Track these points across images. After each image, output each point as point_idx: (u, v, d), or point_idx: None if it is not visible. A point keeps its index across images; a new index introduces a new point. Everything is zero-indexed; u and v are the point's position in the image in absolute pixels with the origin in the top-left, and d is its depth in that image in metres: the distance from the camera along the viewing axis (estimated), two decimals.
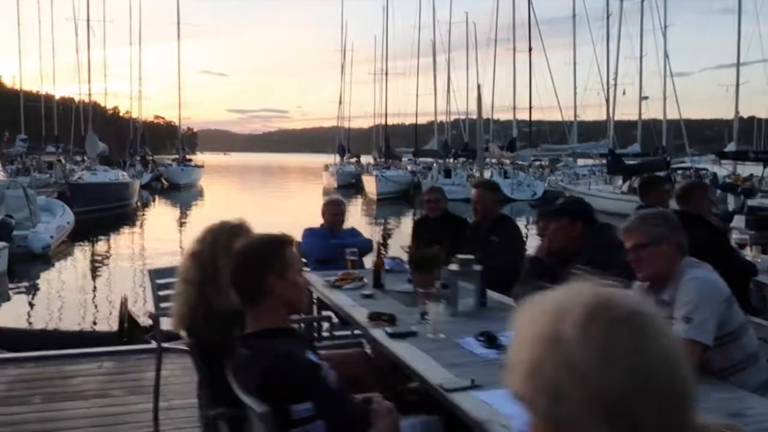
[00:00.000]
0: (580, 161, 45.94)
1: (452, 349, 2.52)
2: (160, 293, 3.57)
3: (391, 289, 3.51)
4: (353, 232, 4.75)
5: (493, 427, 1.71)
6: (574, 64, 46.56)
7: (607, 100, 35.43)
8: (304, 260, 4.78)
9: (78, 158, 44.36)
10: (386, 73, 46.86)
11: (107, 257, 16.72)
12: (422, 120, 51.93)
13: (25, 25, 45.90)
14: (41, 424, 3.46)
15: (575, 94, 46.85)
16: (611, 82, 36.13)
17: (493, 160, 41.49)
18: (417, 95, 46.94)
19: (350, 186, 43.75)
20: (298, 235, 4.21)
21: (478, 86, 19.15)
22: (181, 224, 25.21)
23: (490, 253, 3.75)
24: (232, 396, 2.12)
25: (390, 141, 46.13)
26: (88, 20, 30.77)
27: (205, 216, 28.75)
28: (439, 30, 49.91)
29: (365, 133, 71.34)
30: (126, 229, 23.34)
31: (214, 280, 2.11)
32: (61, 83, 45.79)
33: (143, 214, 28.43)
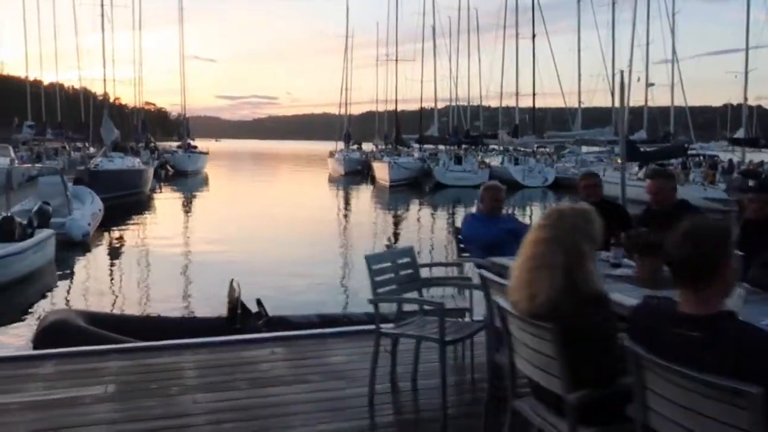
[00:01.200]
0: (584, 148, 46.14)
1: None
2: (377, 279, 3.60)
3: (608, 274, 3.50)
4: (511, 218, 4.78)
5: None
6: (579, 51, 46.57)
7: (621, 86, 35.15)
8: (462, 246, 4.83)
9: (79, 144, 44.06)
10: (396, 60, 46.57)
11: (146, 244, 16.64)
12: (416, 106, 51.56)
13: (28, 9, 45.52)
14: (271, 408, 3.49)
15: (579, 80, 46.87)
16: (625, 68, 35.98)
17: (500, 147, 41.65)
18: (422, 81, 46.78)
19: (356, 173, 43.72)
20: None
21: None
22: (207, 211, 25.06)
23: None
24: (597, 377, 2.17)
25: (400, 126, 45.93)
26: (102, 5, 30.15)
27: (225, 202, 28.78)
28: (439, 16, 49.73)
29: (361, 119, 70.78)
30: (151, 216, 23.24)
31: (580, 264, 2.14)
32: (60, 69, 45.04)
33: (160, 201, 28.28)
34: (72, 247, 14.32)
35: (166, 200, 29.27)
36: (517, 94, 49.24)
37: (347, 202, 30.28)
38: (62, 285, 11.52)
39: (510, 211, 26.01)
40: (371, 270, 3.57)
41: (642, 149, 28.69)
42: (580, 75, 46.67)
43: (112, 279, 12.39)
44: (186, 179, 39.29)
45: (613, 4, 44.10)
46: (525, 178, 34.62)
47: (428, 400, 3.58)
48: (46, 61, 45.09)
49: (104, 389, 3.67)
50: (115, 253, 15.23)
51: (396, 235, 18.51)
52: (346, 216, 24.86)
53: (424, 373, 3.82)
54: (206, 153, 45.96)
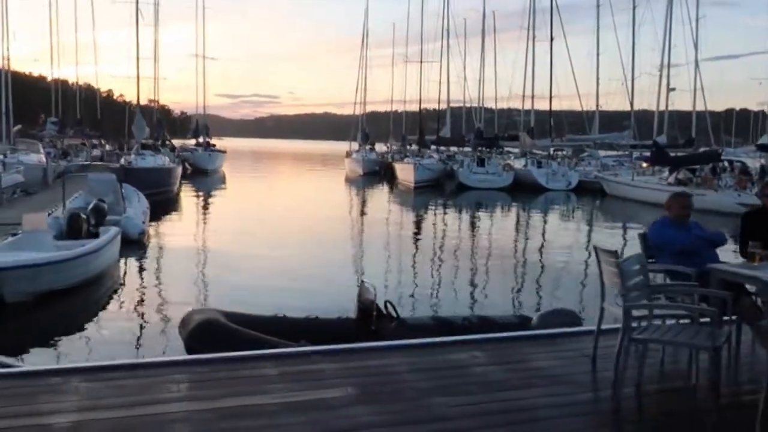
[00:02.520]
0: (601, 152, 46.19)
1: None
2: (628, 283, 3.62)
3: None
4: (698, 225, 4.81)
5: None
6: (597, 54, 46.61)
7: (659, 90, 35.36)
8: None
9: (95, 141, 43.99)
10: (421, 61, 46.46)
11: (197, 241, 16.67)
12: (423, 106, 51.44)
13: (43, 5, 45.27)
14: (519, 413, 3.52)
15: (598, 84, 46.92)
16: (663, 71, 36.09)
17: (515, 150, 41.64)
18: (440, 82, 46.74)
19: (374, 173, 43.70)
20: None
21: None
22: (243, 208, 25.08)
23: None
24: None
25: (423, 128, 45.85)
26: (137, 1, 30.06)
27: (257, 201, 28.84)
28: (454, 19, 49.76)
29: (368, 119, 69.81)
30: (187, 213, 23.33)
31: None
32: (70, 65, 44.77)
33: (190, 199, 28.30)
34: (129, 245, 14.30)
35: (195, 198, 29.28)
36: (533, 96, 49.16)
37: (410, 208, 29.00)
38: (135, 284, 11.50)
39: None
40: (624, 272, 3.59)
41: (672, 154, 28.78)
42: (598, 78, 46.79)
43: (179, 277, 12.35)
44: (206, 177, 39.29)
45: (634, 7, 44.26)
46: (548, 181, 34.69)
47: (679, 403, 3.61)
48: (62, 57, 45.06)
49: (345, 391, 3.70)
50: (173, 250, 15.23)
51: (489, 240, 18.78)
52: (420, 220, 24.60)
53: (667, 376, 3.85)
54: (224, 152, 45.93)
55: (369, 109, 59.16)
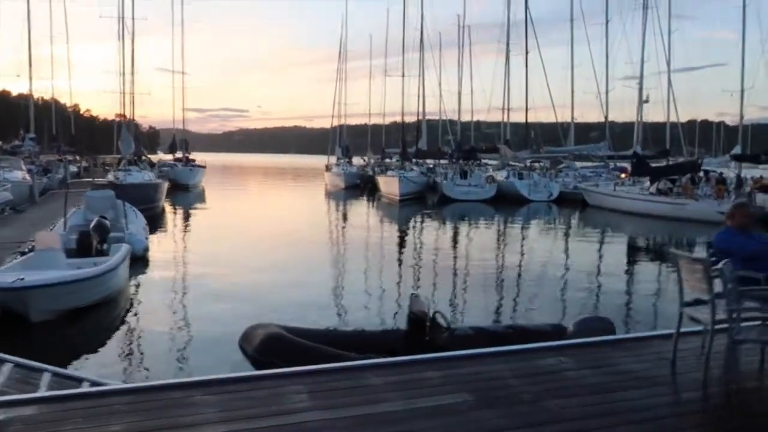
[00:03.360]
0: (578, 163, 47.12)
1: None
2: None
3: None
4: (759, 233, 5.09)
5: None
6: (572, 68, 47.69)
7: (639, 102, 36.32)
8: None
9: (69, 157, 43.31)
10: (403, 75, 46.72)
11: (195, 257, 16.56)
12: (396, 119, 51.85)
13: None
14: (639, 413, 3.70)
15: (573, 96, 47.98)
16: (638, 85, 37.09)
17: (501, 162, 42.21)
18: (418, 96, 47.16)
19: (355, 187, 43.89)
20: None
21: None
22: (233, 224, 24.92)
23: None
24: None
25: (406, 143, 46.05)
26: (121, 18, 29.83)
27: (241, 213, 28.79)
28: (428, 32, 50.36)
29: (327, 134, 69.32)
30: (178, 228, 23.18)
31: None
32: (41, 79, 44.11)
33: (176, 214, 28.05)
34: (134, 262, 14.20)
35: (180, 214, 29.04)
36: (508, 108, 49.99)
37: (399, 220, 28.56)
38: (155, 300, 11.44)
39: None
40: (723, 277, 3.82)
41: (652, 165, 29.55)
42: (573, 91, 47.83)
43: (198, 292, 12.31)
44: (187, 193, 38.98)
45: (606, 22, 45.51)
46: (531, 192, 35.26)
47: None
48: (37, 72, 44.31)
49: (462, 397, 3.84)
50: (178, 265, 15.18)
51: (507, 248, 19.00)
52: (408, 232, 24.96)
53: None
54: (204, 167, 45.64)
55: (343, 122, 59.19)
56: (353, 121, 65.43)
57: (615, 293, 12.39)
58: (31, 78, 39.42)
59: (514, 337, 6.50)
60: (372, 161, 53.90)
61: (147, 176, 27.83)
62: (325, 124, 66.54)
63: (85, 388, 4.47)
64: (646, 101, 41.21)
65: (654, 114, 46.53)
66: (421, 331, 6.68)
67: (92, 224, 13.78)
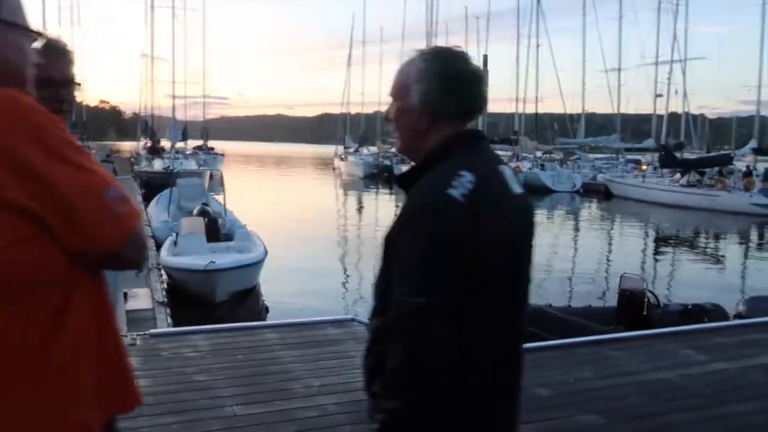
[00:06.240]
0: (590, 155, 48.11)
1: None
2: None
3: None
4: None
5: None
6: (584, 61, 48.74)
7: (655, 93, 37.42)
8: None
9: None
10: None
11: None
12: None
13: None
14: None
15: (584, 89, 48.96)
16: (664, 80, 38.23)
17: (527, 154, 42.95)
18: None
19: (373, 176, 44.18)
20: None
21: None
22: (282, 201, 25.40)
23: None
24: None
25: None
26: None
27: (276, 202, 29.12)
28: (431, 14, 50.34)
29: (317, 121, 69.39)
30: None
31: None
32: None
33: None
34: None
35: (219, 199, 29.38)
36: (517, 99, 50.77)
37: None
38: (290, 283, 12.00)
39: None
40: None
41: (681, 157, 30.64)
42: (584, 83, 48.83)
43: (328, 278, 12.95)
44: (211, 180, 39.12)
45: (620, 17, 46.51)
46: (555, 183, 36.16)
47: None
48: None
49: (731, 364, 4.69)
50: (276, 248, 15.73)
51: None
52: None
53: None
54: (223, 155, 45.92)
55: (327, 111, 59.55)
56: (355, 110, 65.57)
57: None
58: None
59: (710, 315, 7.31)
60: (385, 151, 54.30)
61: (192, 164, 28.25)
62: (307, 112, 66.61)
63: None
64: (660, 96, 42.47)
65: (659, 106, 47.67)
66: (637, 308, 7.44)
67: (196, 210, 14.30)
